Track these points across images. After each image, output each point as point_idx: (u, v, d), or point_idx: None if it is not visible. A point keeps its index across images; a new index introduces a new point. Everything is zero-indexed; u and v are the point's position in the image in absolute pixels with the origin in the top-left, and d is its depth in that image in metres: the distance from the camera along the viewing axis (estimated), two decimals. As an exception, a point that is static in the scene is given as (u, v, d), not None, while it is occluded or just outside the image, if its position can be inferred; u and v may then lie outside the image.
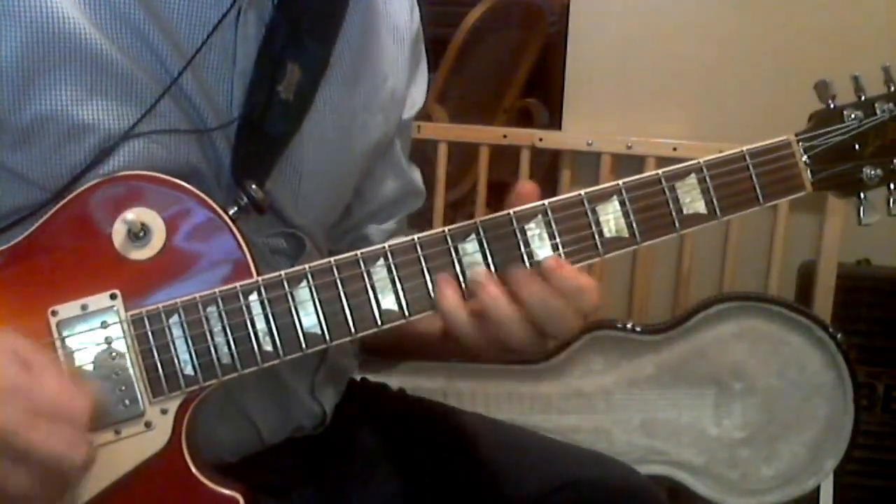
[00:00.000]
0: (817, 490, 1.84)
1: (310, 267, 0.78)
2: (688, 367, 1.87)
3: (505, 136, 2.04)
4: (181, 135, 0.83)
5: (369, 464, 1.02)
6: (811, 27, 1.98)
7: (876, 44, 1.93)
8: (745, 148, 0.84)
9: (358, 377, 1.15)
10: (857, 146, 0.85)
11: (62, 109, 0.78)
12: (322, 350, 0.98)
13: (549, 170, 2.29)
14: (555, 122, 2.11)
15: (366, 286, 0.78)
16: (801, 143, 0.84)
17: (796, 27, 1.98)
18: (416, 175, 1.11)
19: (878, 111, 0.85)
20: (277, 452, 0.97)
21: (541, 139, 2.00)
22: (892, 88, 0.86)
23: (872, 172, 0.85)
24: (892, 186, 0.86)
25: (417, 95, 1.06)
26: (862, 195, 0.86)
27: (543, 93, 2.83)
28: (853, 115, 0.85)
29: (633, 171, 2.09)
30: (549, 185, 2.13)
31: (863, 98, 0.86)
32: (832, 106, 0.85)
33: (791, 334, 1.83)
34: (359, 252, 0.78)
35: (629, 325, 1.89)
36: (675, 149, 1.92)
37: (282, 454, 0.98)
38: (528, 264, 0.79)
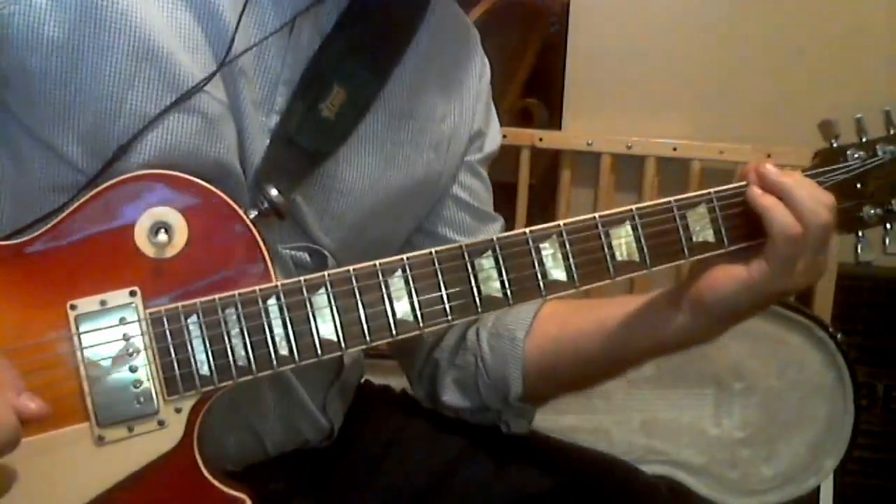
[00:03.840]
0: (817, 490, 1.84)
1: (329, 274, 0.79)
2: (688, 367, 1.87)
3: (505, 136, 2.03)
4: (217, 126, 0.83)
5: (372, 469, 1.02)
6: (811, 27, 1.97)
7: (876, 43, 1.93)
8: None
9: (361, 379, 1.15)
10: (858, 185, 0.88)
11: (104, 88, 0.78)
12: (338, 366, 0.99)
13: (549, 170, 2.29)
14: (555, 122, 2.11)
15: (383, 296, 0.79)
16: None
17: (796, 27, 1.98)
18: (495, 221, 1.07)
19: (879, 152, 0.88)
20: (281, 461, 0.97)
21: (541, 139, 2.00)
22: (893, 132, 0.89)
23: (872, 212, 0.88)
24: (888, 226, 0.89)
25: (489, 144, 1.06)
26: (860, 233, 0.89)
27: (543, 93, 2.82)
28: (856, 155, 0.88)
29: (633, 170, 2.10)
30: (549, 185, 2.13)
31: (864, 140, 0.88)
32: (836, 145, 0.88)
33: (791, 334, 1.83)
34: (377, 262, 0.79)
35: (629, 325, 1.89)
36: (675, 149, 1.92)
37: (285, 463, 0.97)
38: (541, 285, 0.81)
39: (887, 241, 0.89)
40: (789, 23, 1.98)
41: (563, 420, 1.86)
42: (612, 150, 1.98)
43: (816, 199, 0.81)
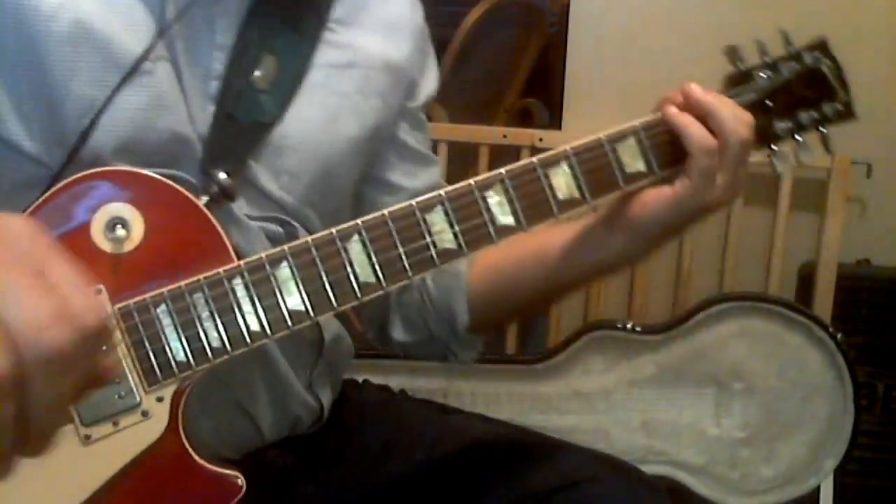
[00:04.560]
0: (817, 490, 1.84)
1: (289, 247, 0.80)
2: (688, 367, 1.88)
3: (505, 136, 2.04)
4: (165, 98, 0.84)
5: (369, 464, 1.02)
6: (811, 27, 1.98)
7: (876, 44, 1.93)
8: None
9: (360, 379, 1.15)
10: (768, 102, 0.94)
11: (50, 78, 0.80)
12: (319, 344, 0.99)
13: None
14: (555, 122, 2.11)
15: (343, 262, 0.81)
16: None
17: (796, 27, 1.98)
18: (434, 165, 1.11)
19: (783, 71, 0.95)
20: (277, 451, 0.97)
21: (541, 139, 2.00)
22: (792, 50, 0.96)
23: (783, 125, 0.94)
24: (797, 138, 0.95)
25: (428, 85, 1.06)
26: (773, 147, 0.95)
27: (543, 93, 2.83)
28: (762, 75, 0.94)
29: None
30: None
31: (767, 61, 0.95)
32: (742, 69, 0.94)
33: (791, 334, 1.83)
34: (334, 230, 0.81)
35: (629, 325, 1.89)
36: (675, 149, 1.92)
37: (281, 453, 0.98)
38: (491, 231, 0.84)
39: (800, 152, 0.95)
40: (789, 23, 1.98)
41: (563, 420, 1.86)
42: (612, 150, 1.97)
43: (736, 116, 0.87)
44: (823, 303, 1.92)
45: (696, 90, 0.88)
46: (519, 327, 2.10)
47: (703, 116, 0.87)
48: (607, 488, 0.96)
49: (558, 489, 0.95)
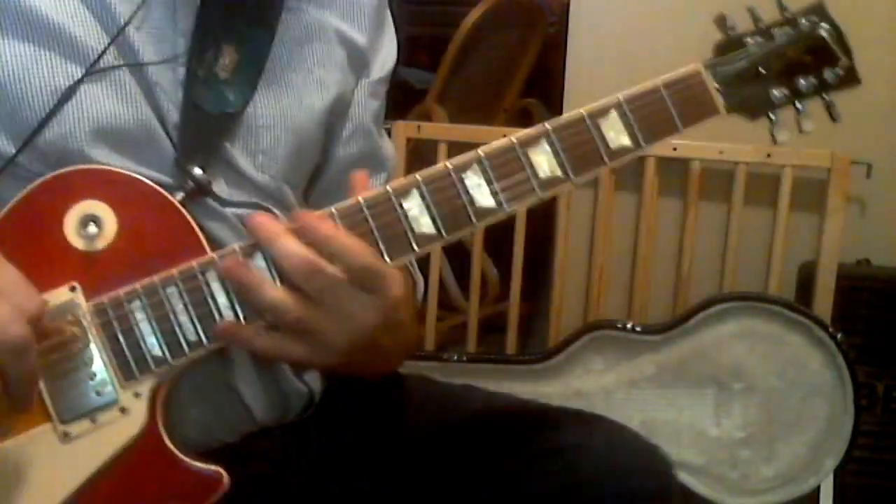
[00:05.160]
0: (817, 490, 1.84)
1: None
2: (688, 367, 1.88)
3: (505, 136, 2.03)
4: (127, 88, 0.85)
5: (359, 447, 1.01)
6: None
7: (877, 44, 1.93)
8: (659, 79, 0.89)
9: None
10: (761, 69, 0.90)
11: (10, 72, 0.82)
12: None
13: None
14: (555, 122, 2.11)
15: None
16: (709, 71, 0.90)
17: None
18: (386, 143, 1.11)
19: (776, 36, 0.91)
20: (267, 439, 0.97)
21: (541, 139, 2.00)
22: (786, 15, 0.91)
23: (779, 93, 0.91)
24: (797, 105, 0.91)
25: (386, 57, 1.06)
26: (772, 116, 0.92)
27: (543, 93, 2.83)
28: (753, 41, 0.91)
29: (632, 170, 2.09)
30: (549, 185, 2.13)
31: (759, 26, 0.91)
32: (732, 35, 0.91)
33: (791, 334, 1.83)
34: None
35: (629, 325, 1.89)
36: (674, 149, 1.92)
37: (271, 441, 0.97)
38: (471, 213, 0.82)
39: (801, 120, 0.92)
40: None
41: (563, 420, 1.86)
42: (612, 150, 1.97)
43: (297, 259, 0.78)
44: (823, 303, 1.92)
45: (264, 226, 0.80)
46: (519, 327, 2.11)
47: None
48: (599, 453, 0.94)
49: (565, 487, 0.94)
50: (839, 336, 1.81)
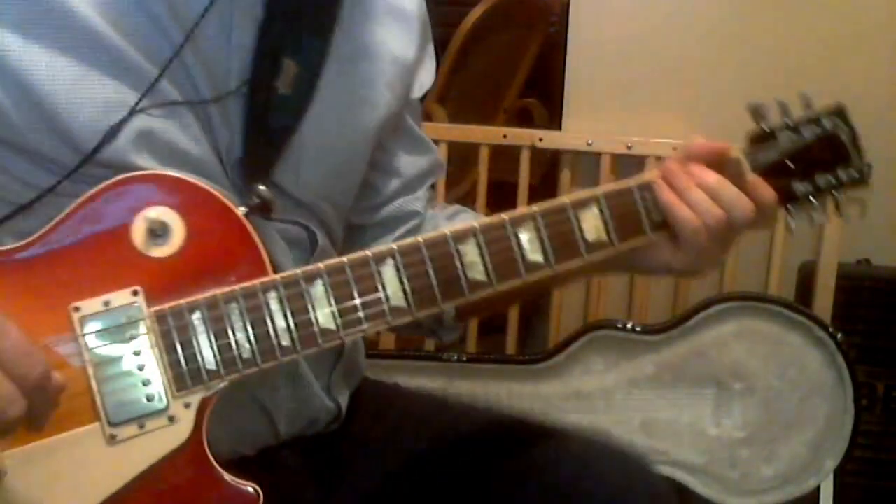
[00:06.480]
0: (817, 490, 1.84)
1: (325, 265, 0.81)
2: (688, 367, 1.88)
3: (505, 136, 2.04)
4: (182, 114, 0.84)
5: (378, 461, 1.02)
6: (812, 27, 1.98)
7: (877, 44, 1.93)
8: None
9: (364, 361, 1.15)
10: (788, 163, 0.96)
11: (62, 86, 0.80)
12: (339, 349, 0.99)
13: (549, 170, 2.29)
14: (555, 122, 2.11)
15: (376, 284, 0.81)
16: (747, 158, 0.96)
17: (796, 28, 1.98)
18: (435, 148, 1.14)
19: (804, 133, 0.96)
20: (289, 451, 0.97)
21: (541, 139, 2.00)
22: (812, 114, 0.97)
23: (803, 187, 0.96)
24: (812, 200, 0.97)
25: (426, 77, 1.07)
26: (789, 207, 0.97)
27: (543, 93, 2.83)
28: (785, 136, 0.96)
29: (633, 170, 2.10)
30: (549, 185, 2.13)
31: (789, 123, 0.97)
32: (766, 128, 0.96)
33: (791, 334, 1.83)
34: (369, 252, 0.82)
35: (629, 325, 1.89)
36: (675, 149, 1.90)
37: (293, 453, 0.98)
38: (522, 269, 0.86)
39: (814, 213, 0.98)
40: (790, 23, 1.98)
41: (563, 420, 1.86)
42: (612, 150, 1.97)
43: (705, 201, 0.91)
44: (823, 303, 1.92)
45: (670, 171, 0.92)
46: (519, 327, 2.11)
47: (681, 194, 0.91)
48: (614, 480, 0.95)
49: (573, 481, 0.94)
50: (839, 336, 1.81)
